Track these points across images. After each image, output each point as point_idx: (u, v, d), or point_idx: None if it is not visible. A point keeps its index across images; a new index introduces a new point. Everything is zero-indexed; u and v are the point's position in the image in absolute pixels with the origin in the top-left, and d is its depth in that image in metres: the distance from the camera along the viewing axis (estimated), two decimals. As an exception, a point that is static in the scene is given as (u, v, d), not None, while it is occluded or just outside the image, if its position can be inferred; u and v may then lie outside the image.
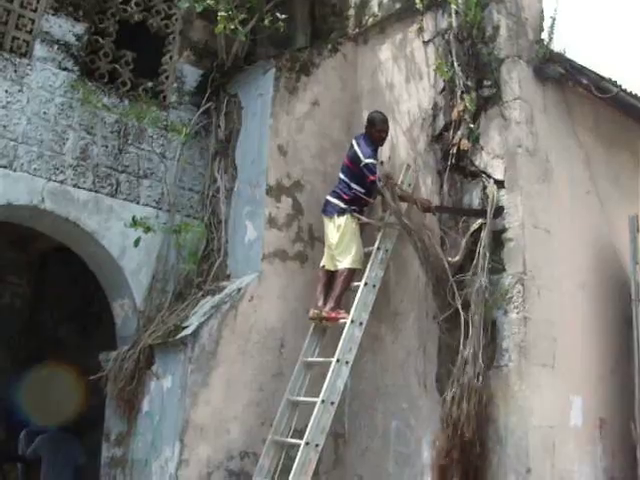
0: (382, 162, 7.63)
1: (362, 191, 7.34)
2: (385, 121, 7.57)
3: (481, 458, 6.32)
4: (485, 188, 6.91)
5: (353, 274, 7.28)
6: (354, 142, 7.50)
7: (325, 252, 7.50)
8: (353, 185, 7.36)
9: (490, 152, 7.00)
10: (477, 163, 7.05)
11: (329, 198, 7.49)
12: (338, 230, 7.31)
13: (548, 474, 6.35)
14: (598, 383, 7.14)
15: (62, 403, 10.01)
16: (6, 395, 10.93)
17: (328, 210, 7.46)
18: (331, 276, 7.38)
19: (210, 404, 7.09)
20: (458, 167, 7.14)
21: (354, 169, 7.37)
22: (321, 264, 7.50)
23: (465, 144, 7.07)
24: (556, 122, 7.31)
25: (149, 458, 7.35)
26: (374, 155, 7.33)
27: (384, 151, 7.91)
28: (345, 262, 7.25)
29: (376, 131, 7.51)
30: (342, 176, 7.47)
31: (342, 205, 7.36)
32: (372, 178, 7.22)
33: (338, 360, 6.83)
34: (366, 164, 7.25)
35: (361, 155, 7.30)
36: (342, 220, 7.31)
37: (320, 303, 7.26)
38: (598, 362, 7.18)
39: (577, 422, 6.85)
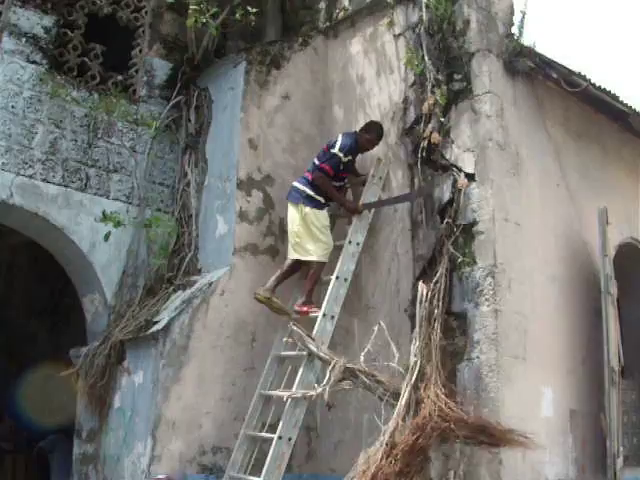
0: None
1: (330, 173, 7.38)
2: (381, 136, 7.58)
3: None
4: (456, 181, 6.92)
5: (323, 267, 7.28)
6: (340, 134, 7.56)
7: (289, 240, 7.49)
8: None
9: (461, 145, 7.02)
10: (448, 156, 7.06)
11: (295, 184, 7.49)
12: (303, 219, 7.31)
13: (520, 465, 6.39)
14: (568, 375, 7.20)
15: (45, 401, 9.96)
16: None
17: (293, 196, 7.44)
18: (295, 267, 7.39)
19: (182, 399, 7.07)
20: (429, 160, 7.15)
21: (325, 151, 7.45)
22: (293, 256, 7.45)
23: (436, 137, 7.08)
24: (526, 116, 7.35)
25: (121, 454, 7.33)
26: (347, 153, 7.37)
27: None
28: (315, 255, 7.25)
29: (367, 139, 7.53)
30: (315, 160, 7.49)
31: (308, 191, 7.35)
32: (322, 165, 7.35)
33: (310, 354, 6.83)
34: (334, 154, 7.34)
35: (338, 144, 7.37)
36: (309, 210, 7.31)
37: (270, 284, 7.24)
38: (568, 354, 7.24)
39: (548, 413, 6.91)
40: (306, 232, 7.30)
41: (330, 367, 6.51)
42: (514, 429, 6.09)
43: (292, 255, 7.38)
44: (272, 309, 7.25)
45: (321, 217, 7.36)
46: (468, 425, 6.06)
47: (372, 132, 7.55)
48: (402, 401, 6.26)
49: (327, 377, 6.47)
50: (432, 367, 6.38)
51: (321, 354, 6.73)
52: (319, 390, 6.48)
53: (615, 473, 7.16)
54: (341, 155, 7.35)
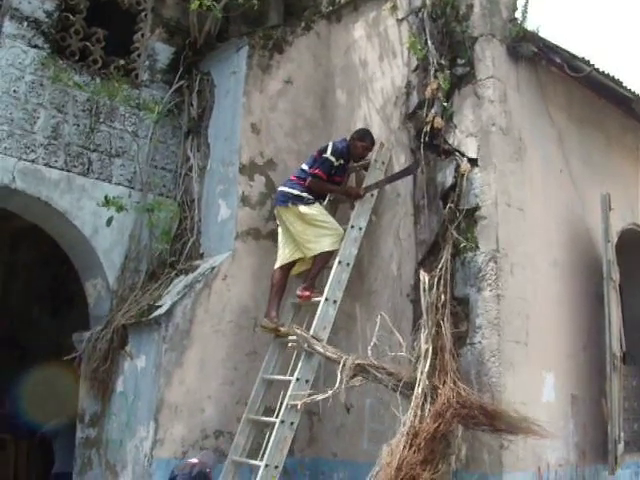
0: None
1: (323, 177, 7.35)
2: (373, 143, 7.56)
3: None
4: (458, 166, 6.90)
5: (331, 255, 7.26)
6: (331, 142, 7.53)
7: (282, 248, 7.42)
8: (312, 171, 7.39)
9: (463, 130, 7.00)
10: (450, 141, 7.04)
11: (281, 188, 7.44)
12: (302, 218, 7.27)
13: (521, 450, 6.39)
14: (570, 360, 7.21)
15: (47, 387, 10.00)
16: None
17: (281, 199, 7.37)
18: (285, 274, 7.38)
19: (184, 383, 7.09)
20: (432, 145, 7.13)
21: (317, 157, 7.41)
22: (276, 265, 7.41)
23: (439, 122, 7.06)
24: (529, 101, 7.32)
25: (124, 438, 7.34)
26: (338, 159, 7.35)
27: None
28: (324, 245, 7.23)
29: (362, 146, 7.50)
30: (304, 166, 7.45)
31: (295, 192, 7.29)
32: (315, 171, 7.31)
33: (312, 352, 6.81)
34: (326, 158, 7.32)
35: (329, 148, 7.35)
36: (306, 209, 7.26)
37: (273, 313, 7.22)
38: (570, 339, 7.25)
39: (550, 398, 6.92)
40: (311, 227, 7.27)
41: (340, 366, 6.45)
42: (528, 417, 6.09)
43: (297, 256, 7.36)
44: (279, 336, 7.22)
45: (317, 210, 7.33)
46: (487, 412, 6.06)
47: (367, 139, 7.53)
48: (418, 389, 6.24)
49: (339, 377, 6.39)
50: (446, 353, 6.38)
51: (328, 354, 6.70)
52: (330, 393, 6.44)
53: (616, 458, 7.19)
54: (333, 159, 7.32)
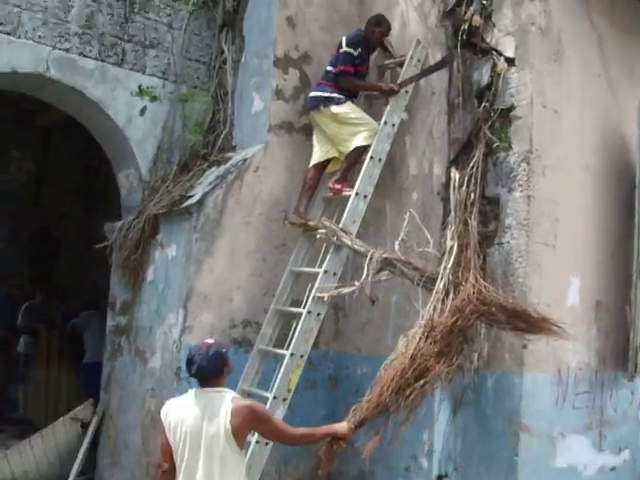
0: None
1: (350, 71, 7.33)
2: (390, 28, 7.55)
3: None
4: (495, 65, 6.81)
5: (365, 150, 7.24)
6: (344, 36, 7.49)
7: (317, 147, 7.44)
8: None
9: (502, 29, 6.87)
10: (488, 40, 6.91)
11: (311, 94, 7.45)
12: (335, 119, 7.27)
13: (542, 351, 6.46)
14: (597, 266, 7.18)
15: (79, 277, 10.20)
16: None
17: (313, 104, 7.38)
18: (319, 173, 7.40)
19: (214, 273, 7.19)
20: (469, 43, 7.00)
21: (336, 54, 7.39)
22: (311, 163, 7.43)
23: (477, 20, 6.93)
24: (570, 2, 7.15)
25: (153, 325, 7.51)
26: (356, 48, 7.32)
27: (394, 28, 7.75)
28: (357, 141, 7.24)
29: (379, 32, 7.48)
30: (329, 68, 7.42)
31: (325, 94, 7.28)
32: (340, 68, 7.29)
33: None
34: (345, 51, 7.29)
35: (344, 41, 7.33)
36: (338, 109, 7.26)
37: (302, 209, 7.25)
38: (598, 245, 7.21)
39: (574, 302, 6.91)
40: (345, 126, 7.28)
41: (367, 260, 6.48)
42: (549, 317, 6.11)
43: (333, 154, 7.39)
44: (307, 230, 7.25)
45: (350, 108, 7.33)
46: (506, 310, 6.09)
47: (384, 24, 7.50)
48: (440, 284, 6.29)
49: (365, 270, 6.42)
50: (471, 251, 6.41)
51: (356, 247, 6.72)
52: (357, 285, 6.47)
53: (636, 366, 7.22)
54: (351, 50, 7.30)
